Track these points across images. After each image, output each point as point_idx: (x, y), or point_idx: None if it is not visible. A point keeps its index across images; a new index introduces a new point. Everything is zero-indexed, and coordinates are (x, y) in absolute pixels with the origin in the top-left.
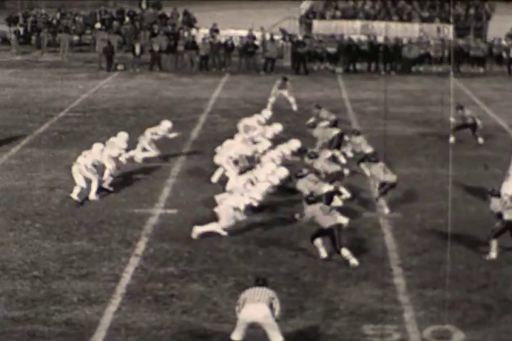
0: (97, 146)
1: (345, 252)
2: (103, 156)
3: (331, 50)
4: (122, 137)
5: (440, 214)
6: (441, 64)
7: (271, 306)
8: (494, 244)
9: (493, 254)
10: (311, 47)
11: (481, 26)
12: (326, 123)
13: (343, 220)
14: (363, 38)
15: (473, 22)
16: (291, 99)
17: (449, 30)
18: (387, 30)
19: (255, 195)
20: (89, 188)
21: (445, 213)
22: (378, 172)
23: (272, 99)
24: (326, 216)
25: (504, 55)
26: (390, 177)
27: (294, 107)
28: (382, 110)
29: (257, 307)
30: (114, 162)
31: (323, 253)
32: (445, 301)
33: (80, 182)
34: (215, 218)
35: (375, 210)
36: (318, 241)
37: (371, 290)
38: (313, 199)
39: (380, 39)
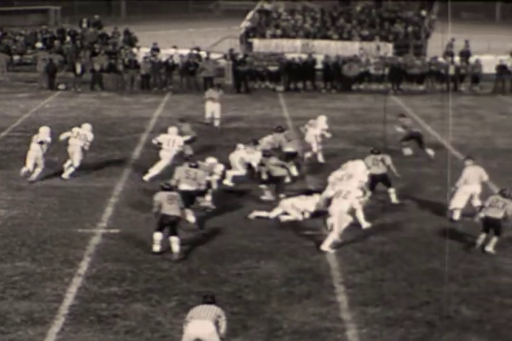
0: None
1: None
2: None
3: (272, 68)
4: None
5: (382, 232)
6: (381, 82)
7: (217, 324)
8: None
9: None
10: (252, 66)
11: (420, 44)
12: (188, 137)
13: None
14: (304, 56)
15: (413, 40)
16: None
17: (388, 49)
18: (327, 48)
19: None
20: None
21: (387, 230)
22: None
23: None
24: None
25: (443, 72)
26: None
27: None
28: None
29: (202, 324)
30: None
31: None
32: (387, 318)
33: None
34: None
35: (316, 229)
36: None
37: (314, 308)
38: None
39: (320, 57)
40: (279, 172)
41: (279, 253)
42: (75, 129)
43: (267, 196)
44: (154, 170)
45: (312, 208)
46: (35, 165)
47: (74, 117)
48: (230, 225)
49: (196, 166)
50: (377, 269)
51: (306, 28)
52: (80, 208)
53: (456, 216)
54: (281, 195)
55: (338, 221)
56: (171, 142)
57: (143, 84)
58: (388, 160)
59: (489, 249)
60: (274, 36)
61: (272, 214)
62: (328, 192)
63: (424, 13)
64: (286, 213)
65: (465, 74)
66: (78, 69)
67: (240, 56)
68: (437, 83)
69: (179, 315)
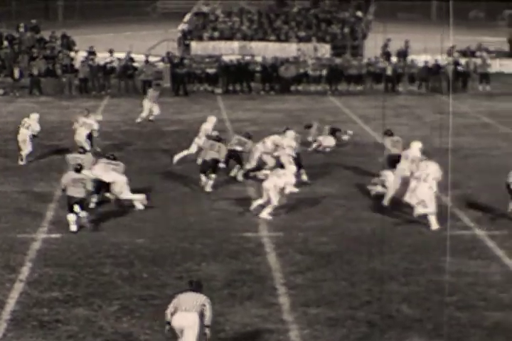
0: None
1: None
2: None
3: (210, 70)
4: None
5: (322, 233)
6: (319, 83)
7: (202, 312)
8: None
9: None
10: (190, 69)
11: (357, 45)
12: None
13: None
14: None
15: (350, 41)
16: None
17: (326, 49)
18: (265, 50)
19: None
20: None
21: (327, 231)
22: None
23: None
24: None
25: (381, 72)
26: None
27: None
28: (262, 130)
29: (186, 316)
30: None
31: None
32: (329, 319)
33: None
34: None
35: (257, 230)
36: None
37: (256, 309)
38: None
39: (258, 59)
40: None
41: (220, 255)
42: (25, 119)
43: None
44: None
45: (293, 179)
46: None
47: (13, 122)
48: (170, 228)
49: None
50: (319, 270)
51: (244, 29)
52: (20, 213)
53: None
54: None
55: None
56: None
57: (81, 88)
58: None
59: None
60: (211, 38)
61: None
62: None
63: (360, 14)
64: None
65: (402, 74)
66: (16, 74)
67: (178, 59)
68: (375, 83)
69: (121, 319)
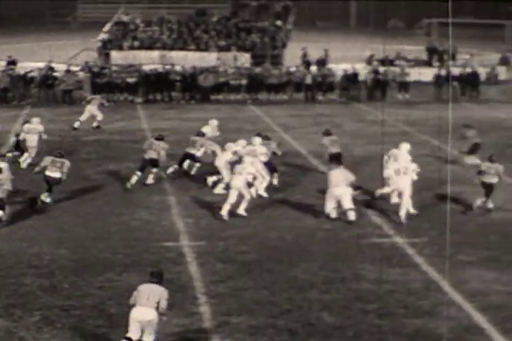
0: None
1: None
2: None
3: (130, 80)
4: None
5: (243, 241)
6: (239, 92)
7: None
8: None
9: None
10: (111, 78)
11: (277, 54)
12: None
13: None
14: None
15: (270, 50)
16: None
17: (245, 59)
18: (185, 59)
19: None
20: None
21: (247, 240)
22: None
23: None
24: None
25: (301, 81)
26: None
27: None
28: (183, 139)
29: (145, 310)
30: None
31: None
32: (250, 327)
33: None
34: None
35: (178, 240)
36: None
37: (178, 319)
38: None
39: (178, 68)
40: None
41: (141, 265)
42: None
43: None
44: None
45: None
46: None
47: None
48: (91, 238)
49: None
50: (239, 279)
51: (164, 39)
52: None
53: (333, 214)
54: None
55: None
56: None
57: (1, 97)
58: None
59: (491, 206)
60: (131, 48)
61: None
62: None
63: (279, 23)
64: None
65: (322, 83)
66: None
67: (98, 68)
68: (295, 92)
69: (42, 329)
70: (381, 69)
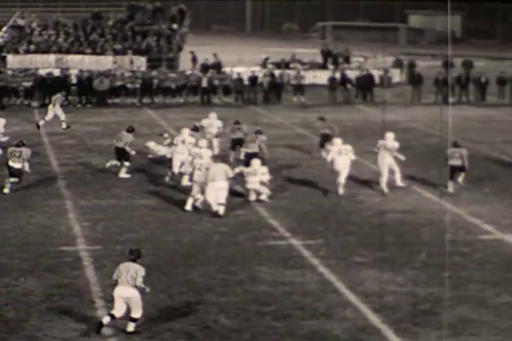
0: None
1: None
2: None
3: (27, 84)
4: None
5: (140, 245)
6: (135, 96)
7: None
8: None
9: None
10: (7, 82)
11: (173, 57)
12: None
13: None
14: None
15: (165, 53)
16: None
17: (141, 62)
18: (81, 63)
19: None
20: None
21: (144, 243)
22: None
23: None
24: None
25: (196, 84)
26: None
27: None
28: (80, 143)
29: (126, 289)
30: None
31: None
32: (148, 331)
33: None
34: None
35: (75, 244)
36: None
37: (75, 324)
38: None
39: (75, 72)
40: None
41: (38, 269)
42: None
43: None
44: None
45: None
46: None
47: None
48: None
49: None
50: None
51: (60, 43)
52: None
53: (215, 207)
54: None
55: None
56: None
57: None
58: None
59: (460, 180)
60: (27, 51)
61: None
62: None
63: (175, 26)
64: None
65: (217, 86)
66: None
67: None
68: (192, 95)
69: None
70: (276, 72)
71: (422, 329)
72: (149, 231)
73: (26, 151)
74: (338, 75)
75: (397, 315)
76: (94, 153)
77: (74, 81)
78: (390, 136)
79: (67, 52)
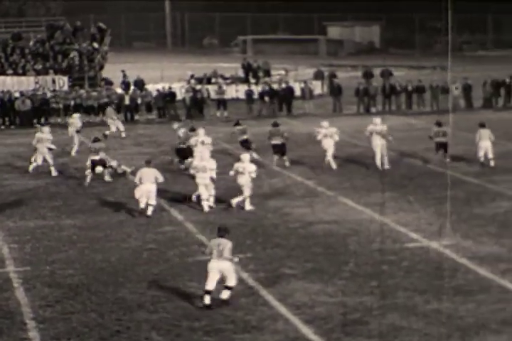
0: None
1: None
2: None
3: None
4: None
5: (69, 265)
6: (59, 115)
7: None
8: None
9: None
10: None
11: (94, 75)
12: None
13: None
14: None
15: (87, 72)
16: None
17: (64, 81)
18: (3, 84)
19: None
20: None
21: (73, 263)
22: None
23: None
24: None
25: (119, 102)
26: None
27: None
28: (5, 164)
29: (219, 263)
30: None
31: None
32: None
33: None
34: None
35: (4, 266)
36: None
37: None
38: None
39: None
40: None
41: None
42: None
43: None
44: None
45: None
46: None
47: None
48: None
49: None
50: (67, 302)
51: None
52: None
53: (142, 205)
54: None
55: None
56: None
57: None
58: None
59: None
60: None
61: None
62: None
63: (96, 45)
64: None
65: (139, 104)
66: None
67: None
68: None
69: None
70: (198, 87)
71: (353, 339)
72: (77, 250)
73: None
74: (257, 89)
75: (329, 326)
76: (19, 174)
77: None
78: (377, 120)
79: None
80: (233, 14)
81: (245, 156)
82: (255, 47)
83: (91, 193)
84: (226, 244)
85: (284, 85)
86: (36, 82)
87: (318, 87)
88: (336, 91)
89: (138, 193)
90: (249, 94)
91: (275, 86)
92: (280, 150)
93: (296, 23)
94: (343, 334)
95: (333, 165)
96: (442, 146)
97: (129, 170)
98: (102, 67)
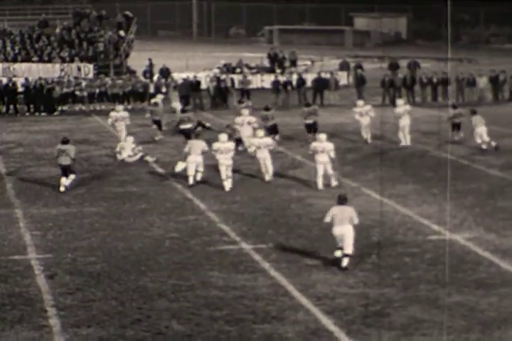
0: None
1: None
2: None
3: None
4: None
5: (91, 252)
6: (84, 103)
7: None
8: None
9: None
10: None
11: (120, 64)
12: None
13: None
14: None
15: (113, 60)
16: None
17: (89, 69)
18: (29, 71)
19: None
20: None
21: (95, 251)
22: None
23: None
24: None
25: (144, 91)
26: None
27: None
28: (29, 151)
29: (343, 227)
30: None
31: None
32: (100, 339)
33: None
34: None
35: (25, 253)
36: None
37: (27, 332)
38: None
39: (22, 80)
40: None
41: None
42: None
43: None
44: None
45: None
46: None
47: None
48: None
49: None
50: (88, 290)
51: (7, 51)
52: None
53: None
54: None
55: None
56: None
57: None
58: None
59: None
60: None
61: None
62: None
63: (122, 33)
64: None
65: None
66: None
67: None
68: (140, 102)
69: None
70: (223, 76)
71: (374, 331)
72: (100, 238)
73: None
74: (283, 79)
75: (349, 317)
76: (42, 161)
77: (21, 89)
78: (322, 137)
79: (14, 60)
80: (260, 4)
81: (322, 136)
82: (281, 37)
83: (115, 181)
84: (352, 211)
85: (316, 75)
86: (61, 70)
87: (343, 78)
88: (359, 82)
89: (190, 166)
90: (275, 84)
91: (307, 76)
92: (313, 127)
93: (322, 14)
94: (364, 326)
95: (369, 140)
96: (457, 126)
97: (151, 159)
98: (127, 55)
